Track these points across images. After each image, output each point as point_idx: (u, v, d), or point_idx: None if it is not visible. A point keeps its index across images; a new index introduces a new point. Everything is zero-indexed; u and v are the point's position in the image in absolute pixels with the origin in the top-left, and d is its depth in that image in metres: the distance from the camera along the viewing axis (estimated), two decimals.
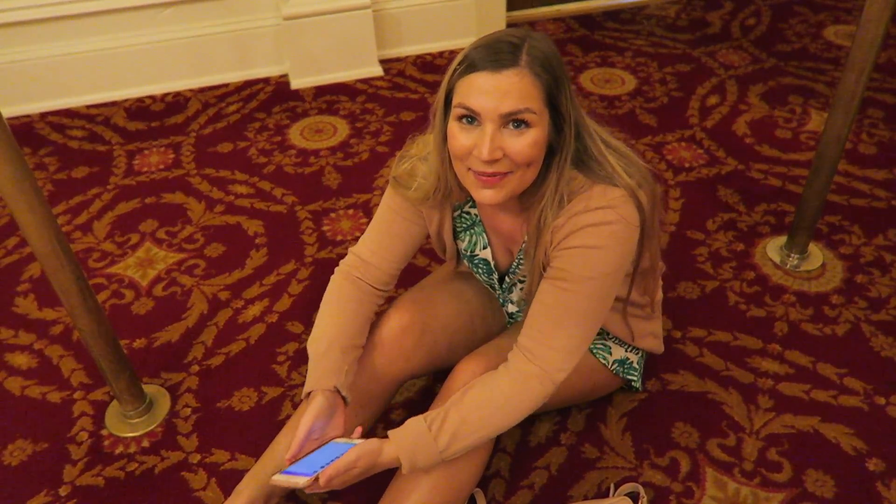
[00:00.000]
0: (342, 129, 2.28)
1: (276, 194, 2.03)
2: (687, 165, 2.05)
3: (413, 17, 2.61)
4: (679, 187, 1.97)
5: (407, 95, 2.44)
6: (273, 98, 2.46)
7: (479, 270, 1.27)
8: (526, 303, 1.15)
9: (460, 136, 0.96)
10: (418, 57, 2.66)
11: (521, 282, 1.22)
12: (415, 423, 1.05)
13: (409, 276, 1.72)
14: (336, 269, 1.23)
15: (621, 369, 1.33)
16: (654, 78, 2.46)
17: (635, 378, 1.37)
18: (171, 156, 2.20)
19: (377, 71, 2.56)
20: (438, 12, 2.62)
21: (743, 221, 1.85)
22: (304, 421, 1.05)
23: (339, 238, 1.87)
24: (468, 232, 1.22)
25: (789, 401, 1.41)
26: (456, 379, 1.17)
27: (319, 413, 1.07)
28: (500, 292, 1.30)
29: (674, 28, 2.77)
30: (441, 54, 2.67)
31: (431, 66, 2.61)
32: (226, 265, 1.80)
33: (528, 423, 1.39)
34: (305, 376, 1.48)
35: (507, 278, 1.24)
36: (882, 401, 1.41)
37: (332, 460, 0.99)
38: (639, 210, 1.02)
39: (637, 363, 1.36)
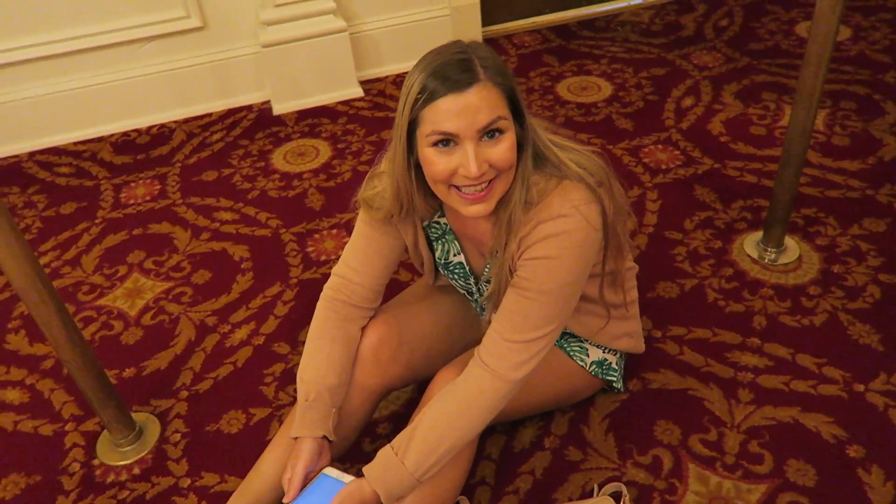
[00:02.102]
0: (324, 151, 2.32)
1: (260, 219, 2.06)
2: (664, 167, 2.08)
3: (390, 37, 2.66)
4: (656, 189, 2.00)
5: (387, 114, 2.48)
6: (256, 125, 2.50)
7: (456, 276, 1.29)
8: (493, 308, 1.17)
9: (439, 161, 0.99)
10: (398, 75, 2.70)
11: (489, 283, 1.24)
12: (382, 454, 1.09)
13: (392, 291, 1.74)
14: (321, 294, 1.26)
15: (600, 370, 1.35)
16: (629, 83, 2.49)
17: (615, 378, 1.39)
18: (157, 187, 2.23)
19: (357, 92, 2.60)
20: (415, 31, 2.67)
21: (720, 219, 1.87)
22: (297, 472, 1.12)
23: (322, 258, 1.89)
24: (440, 241, 1.25)
25: (769, 393, 1.43)
26: (434, 389, 1.19)
27: (310, 460, 1.13)
28: (477, 295, 1.31)
29: (648, 33, 2.81)
30: None
31: None
32: (212, 291, 1.83)
33: (512, 430, 1.41)
34: (293, 396, 1.52)
35: (481, 281, 1.26)
36: (861, 388, 1.42)
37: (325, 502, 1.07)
38: (601, 211, 1.05)
39: (616, 364, 1.38)
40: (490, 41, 2.80)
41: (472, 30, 2.71)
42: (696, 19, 2.87)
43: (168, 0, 2.39)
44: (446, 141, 0.97)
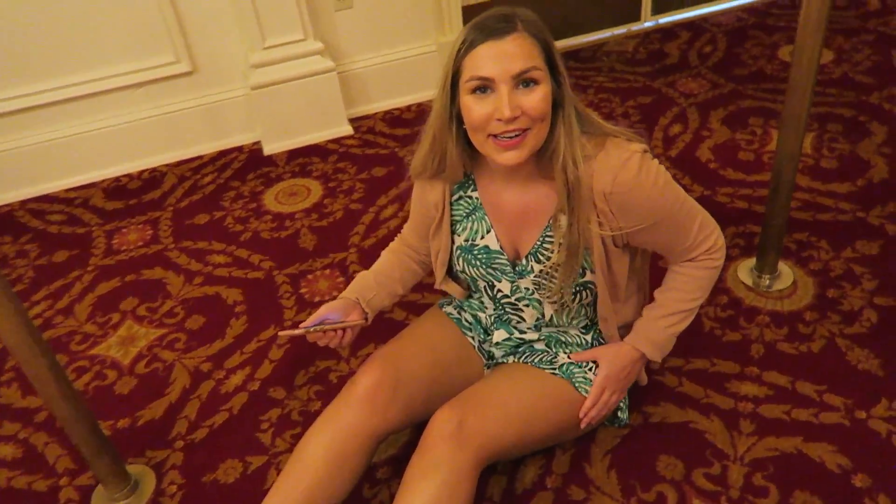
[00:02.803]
0: (316, 191, 2.33)
1: (253, 261, 2.05)
2: None
3: (378, 75, 2.68)
4: None
5: (377, 151, 2.49)
6: (247, 165, 2.51)
7: (477, 263, 1.27)
8: (557, 279, 1.20)
9: (477, 107, 1.05)
10: (386, 112, 2.72)
11: (542, 258, 1.22)
12: (638, 323, 1.29)
13: (387, 330, 1.73)
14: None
15: None
16: (616, 112, 2.52)
17: (622, 408, 1.37)
18: (150, 232, 2.23)
19: (347, 130, 2.62)
20: (402, 68, 2.70)
21: None
22: (319, 310, 1.27)
23: (317, 299, 1.88)
24: (468, 219, 1.26)
25: (771, 423, 1.42)
26: (433, 429, 1.18)
27: (334, 308, 1.28)
28: (513, 276, 1.27)
29: (633, 62, 2.84)
30: (409, 108, 2.73)
31: (400, 120, 2.66)
32: (206, 336, 1.82)
33: (514, 469, 1.39)
34: (290, 443, 1.50)
35: (523, 261, 1.24)
36: (863, 415, 1.41)
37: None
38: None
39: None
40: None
41: None
42: (680, 46, 2.91)
43: (157, 46, 2.42)
44: (483, 87, 1.04)
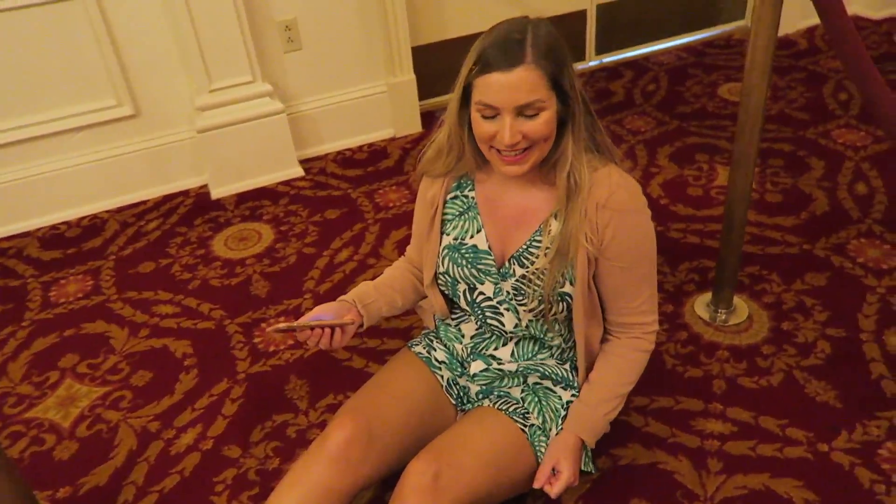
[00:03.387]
0: (267, 235, 2.26)
1: (202, 310, 1.97)
2: None
3: (329, 116, 2.66)
4: None
5: (330, 193, 2.45)
6: (194, 210, 2.43)
7: (464, 262, 1.26)
8: (538, 284, 1.21)
9: (484, 125, 1.11)
10: (338, 153, 2.69)
11: (526, 262, 1.22)
12: (573, 409, 1.28)
13: (348, 379, 1.68)
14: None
15: None
16: None
17: (586, 462, 1.35)
18: (90, 282, 2.12)
19: (298, 171, 2.57)
20: (353, 108, 2.68)
21: (669, 282, 1.89)
22: (314, 310, 1.24)
23: (272, 349, 1.81)
24: (460, 218, 1.28)
25: (737, 460, 1.41)
26: (408, 482, 1.14)
27: (329, 308, 1.25)
28: (497, 278, 1.25)
29: None
30: (360, 148, 2.71)
31: (352, 160, 2.64)
32: (154, 393, 1.72)
33: None
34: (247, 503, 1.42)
35: (508, 263, 1.23)
36: (825, 447, 1.42)
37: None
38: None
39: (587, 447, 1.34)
40: (427, 115, 2.83)
41: (410, 105, 2.74)
42: (625, 85, 2.98)
43: (99, 89, 2.34)
44: (490, 110, 1.09)
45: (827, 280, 1.84)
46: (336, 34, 2.54)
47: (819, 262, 1.90)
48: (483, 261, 1.25)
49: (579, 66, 3.14)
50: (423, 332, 1.48)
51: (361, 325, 1.29)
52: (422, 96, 2.79)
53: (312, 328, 1.20)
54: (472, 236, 1.27)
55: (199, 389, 1.72)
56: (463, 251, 1.27)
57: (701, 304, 1.79)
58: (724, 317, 1.74)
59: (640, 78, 3.03)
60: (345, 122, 2.69)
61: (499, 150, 1.13)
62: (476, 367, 1.33)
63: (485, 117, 1.11)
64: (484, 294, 1.27)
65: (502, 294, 1.26)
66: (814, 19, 3.28)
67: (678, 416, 1.52)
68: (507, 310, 1.27)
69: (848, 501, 1.32)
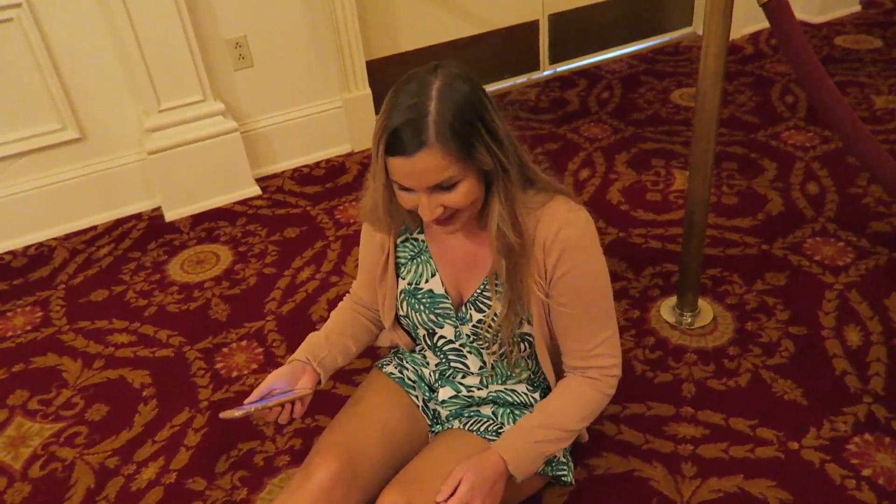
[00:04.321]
0: (225, 257, 2.20)
1: (160, 337, 1.90)
2: None
3: (284, 133, 2.61)
4: None
5: (288, 211, 2.40)
6: (147, 234, 2.35)
7: (421, 307, 1.22)
8: (496, 329, 1.17)
9: (404, 197, 1.06)
10: (295, 170, 2.64)
11: (483, 307, 1.19)
12: (508, 431, 1.18)
13: (315, 401, 1.63)
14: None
15: (549, 469, 1.29)
16: None
17: (565, 473, 1.33)
18: (39, 314, 2.03)
19: (254, 190, 2.52)
20: (309, 124, 2.64)
21: (634, 287, 1.90)
22: (265, 380, 1.17)
23: (234, 374, 1.76)
24: (413, 262, 1.23)
25: (711, 463, 1.42)
26: None
27: (280, 376, 1.18)
28: (456, 322, 1.22)
29: (537, 110, 2.91)
30: (318, 164, 2.67)
31: (309, 177, 2.59)
32: (111, 427, 1.65)
33: None
34: None
35: (465, 307, 1.20)
36: (795, 445, 1.44)
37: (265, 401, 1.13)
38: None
39: (564, 456, 1.33)
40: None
41: (367, 120, 2.71)
42: (580, 94, 3.01)
43: (41, 113, 2.25)
44: (404, 188, 1.04)
45: (787, 279, 1.87)
46: (288, 51, 2.51)
47: (778, 261, 1.94)
48: (441, 305, 1.22)
49: (534, 76, 3.17)
50: (392, 349, 1.45)
51: (319, 383, 1.23)
52: (378, 110, 2.76)
53: (270, 408, 1.14)
54: (426, 280, 1.22)
55: (159, 421, 1.65)
56: (419, 296, 1.23)
57: (666, 309, 1.80)
58: (689, 320, 1.76)
59: (594, 86, 3.06)
60: (301, 138, 2.65)
61: None
62: (445, 393, 1.31)
63: (404, 190, 1.05)
64: (445, 337, 1.25)
65: (462, 337, 1.24)
66: (758, 25, 3.37)
67: (650, 422, 1.52)
68: (470, 352, 1.25)
69: (820, 499, 1.34)
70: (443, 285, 1.22)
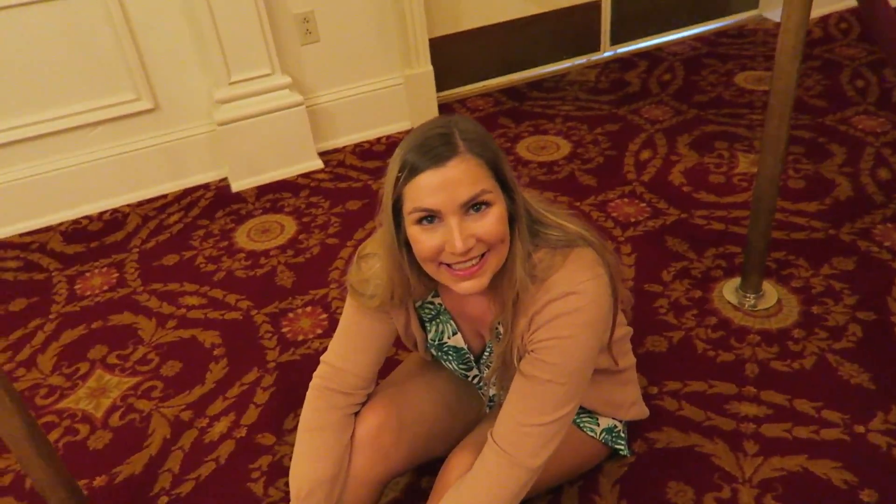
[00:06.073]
0: (289, 227, 2.27)
1: (229, 301, 1.97)
2: (633, 220, 2.11)
3: (346, 108, 2.66)
4: (629, 242, 2.01)
5: (350, 185, 2.45)
6: (215, 203, 2.43)
7: (449, 358, 1.24)
8: (499, 385, 1.12)
9: (425, 239, 0.95)
10: (356, 145, 2.69)
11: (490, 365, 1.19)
12: None
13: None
14: (311, 384, 1.20)
15: (610, 438, 1.31)
16: (586, 140, 2.55)
17: (622, 447, 1.35)
18: (115, 275, 2.13)
19: (317, 164, 2.57)
20: (370, 101, 2.68)
21: (695, 268, 1.89)
22: None
23: (300, 338, 1.82)
24: (434, 322, 1.20)
25: (774, 442, 1.42)
26: (449, 473, 1.13)
27: None
28: (475, 377, 1.27)
29: (596, 91, 2.89)
30: (378, 140, 2.71)
31: (370, 153, 2.64)
32: (185, 383, 1.72)
33: None
34: (284, 491, 1.42)
35: (480, 363, 1.22)
36: (861, 429, 1.42)
37: None
38: (609, 279, 1.03)
39: (623, 431, 1.35)
40: (445, 107, 2.84)
41: (427, 97, 2.74)
42: (640, 75, 2.98)
43: (118, 83, 2.34)
44: (430, 217, 0.94)
45: (855, 264, 1.84)
46: (353, 26, 2.54)
47: (846, 246, 1.90)
48: (465, 358, 1.23)
49: (593, 57, 3.14)
50: None
51: None
52: (439, 88, 2.79)
53: None
54: (449, 337, 1.19)
55: (229, 379, 1.72)
56: (445, 349, 1.22)
57: (730, 290, 1.79)
58: (753, 301, 1.74)
59: (655, 68, 3.02)
60: (362, 114, 2.69)
61: (449, 266, 0.96)
62: (492, 389, 1.26)
63: (424, 227, 0.94)
64: (478, 376, 1.27)
65: (488, 388, 1.24)
66: (828, 8, 3.28)
67: (712, 399, 1.52)
68: (502, 388, 1.23)
69: (888, 482, 1.32)
70: (465, 342, 1.19)
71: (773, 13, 3.32)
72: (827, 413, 1.46)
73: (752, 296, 1.75)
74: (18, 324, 1.97)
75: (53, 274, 2.16)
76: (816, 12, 3.30)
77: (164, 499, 1.45)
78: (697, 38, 3.26)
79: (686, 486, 1.36)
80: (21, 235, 2.35)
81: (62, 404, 1.70)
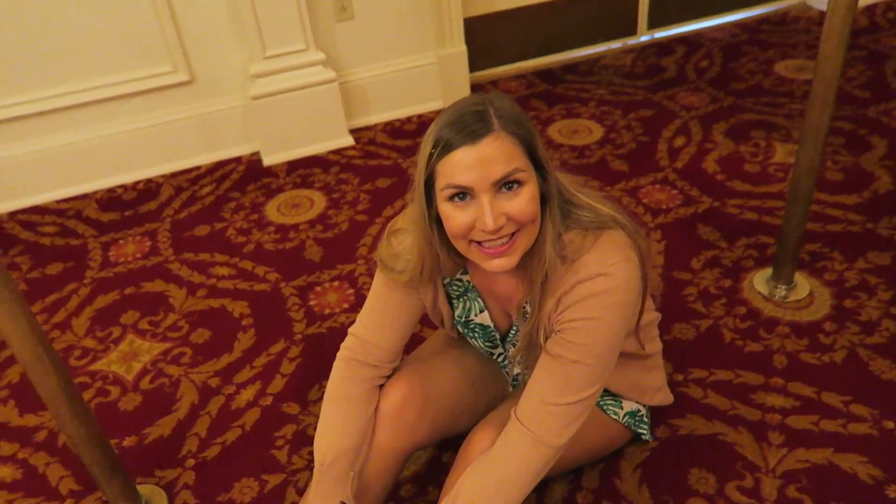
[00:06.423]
0: (319, 202, 2.28)
1: (258, 273, 2.00)
2: (664, 207, 2.08)
3: (379, 86, 2.66)
4: (659, 229, 1.99)
5: (380, 163, 2.46)
6: (246, 177, 2.45)
7: (476, 335, 1.24)
8: (524, 364, 1.13)
9: (457, 216, 0.95)
10: (387, 124, 2.69)
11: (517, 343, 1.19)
12: None
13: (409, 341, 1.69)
14: (338, 354, 1.21)
15: (633, 421, 1.31)
16: (619, 125, 2.52)
17: (645, 431, 1.35)
18: (148, 243, 2.16)
19: (348, 141, 2.58)
20: (403, 79, 2.67)
21: (726, 257, 1.87)
22: None
23: (327, 312, 1.84)
24: (461, 299, 1.20)
25: (800, 434, 1.40)
26: (472, 448, 1.14)
27: None
28: (500, 354, 1.27)
29: (631, 76, 2.85)
30: (409, 119, 2.71)
31: (401, 131, 2.64)
32: (213, 350, 1.76)
33: (542, 486, 1.36)
34: (308, 459, 1.44)
35: (506, 342, 1.22)
36: (891, 425, 1.40)
37: None
38: (640, 261, 1.02)
39: (647, 415, 1.34)
40: (477, 87, 2.82)
41: (460, 77, 2.72)
42: (677, 61, 2.93)
43: (155, 55, 2.36)
44: (462, 194, 0.94)
45: (891, 259, 1.80)
46: (388, 4, 2.53)
47: (883, 241, 1.86)
48: (491, 336, 1.23)
49: (629, 41, 3.10)
50: None
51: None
52: (472, 68, 2.77)
53: None
54: (476, 314, 1.20)
55: (257, 348, 1.75)
56: (472, 326, 1.22)
57: (760, 280, 1.77)
58: (783, 293, 1.72)
59: (693, 54, 2.97)
60: (394, 92, 2.69)
61: (479, 243, 0.97)
62: (516, 368, 1.29)
63: (456, 203, 0.94)
64: (504, 354, 1.27)
65: (512, 367, 1.25)
66: None
67: (738, 388, 1.51)
68: (527, 367, 1.24)
69: None
70: (492, 320, 1.20)
71: (819, 1, 3.23)
72: (855, 407, 1.44)
73: (784, 287, 1.72)
74: (54, 287, 2.02)
75: (88, 240, 2.21)
76: (863, 1, 3.21)
77: (191, 461, 1.49)
78: (738, 24, 3.19)
79: (708, 474, 1.35)
80: (58, 202, 2.41)
81: (95, 366, 1.75)
